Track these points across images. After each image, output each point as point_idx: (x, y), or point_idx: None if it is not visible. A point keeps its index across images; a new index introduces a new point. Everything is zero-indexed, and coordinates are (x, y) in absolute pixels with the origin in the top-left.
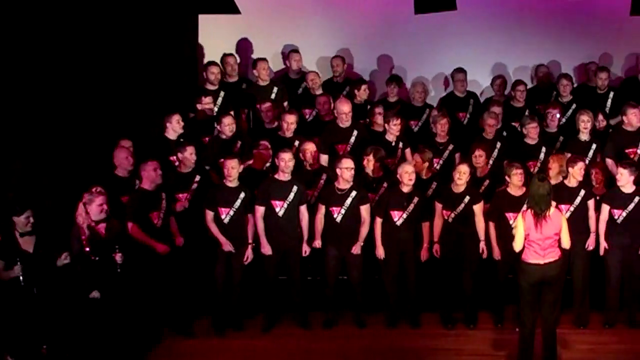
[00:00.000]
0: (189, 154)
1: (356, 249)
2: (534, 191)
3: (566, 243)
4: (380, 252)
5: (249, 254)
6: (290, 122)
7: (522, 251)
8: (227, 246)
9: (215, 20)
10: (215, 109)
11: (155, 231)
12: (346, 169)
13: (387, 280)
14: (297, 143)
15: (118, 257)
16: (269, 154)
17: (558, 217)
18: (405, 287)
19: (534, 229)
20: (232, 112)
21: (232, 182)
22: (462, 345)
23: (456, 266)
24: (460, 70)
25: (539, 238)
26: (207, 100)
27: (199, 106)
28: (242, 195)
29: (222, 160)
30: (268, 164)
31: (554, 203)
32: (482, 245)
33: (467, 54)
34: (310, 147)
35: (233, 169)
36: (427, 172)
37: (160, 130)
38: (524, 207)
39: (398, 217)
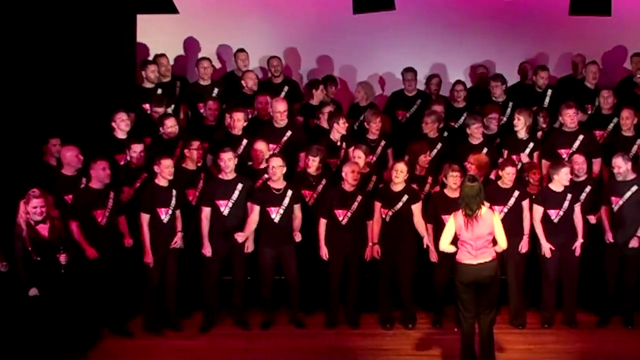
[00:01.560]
0: (138, 152)
1: (297, 237)
2: (465, 192)
3: (502, 243)
4: (324, 252)
5: (177, 239)
6: (237, 119)
7: (456, 251)
8: (149, 257)
9: (153, 20)
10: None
11: (99, 229)
12: (274, 167)
13: (331, 280)
14: (244, 142)
15: (62, 258)
16: (200, 154)
17: (490, 217)
18: (347, 287)
19: (465, 229)
20: (171, 112)
21: (166, 183)
22: (401, 345)
23: (394, 266)
24: (410, 69)
25: (470, 238)
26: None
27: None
28: (175, 193)
29: (157, 160)
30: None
31: (487, 204)
32: (425, 240)
33: (406, 54)
34: (261, 147)
35: (167, 168)
36: (364, 166)
37: (107, 129)
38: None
39: (342, 216)
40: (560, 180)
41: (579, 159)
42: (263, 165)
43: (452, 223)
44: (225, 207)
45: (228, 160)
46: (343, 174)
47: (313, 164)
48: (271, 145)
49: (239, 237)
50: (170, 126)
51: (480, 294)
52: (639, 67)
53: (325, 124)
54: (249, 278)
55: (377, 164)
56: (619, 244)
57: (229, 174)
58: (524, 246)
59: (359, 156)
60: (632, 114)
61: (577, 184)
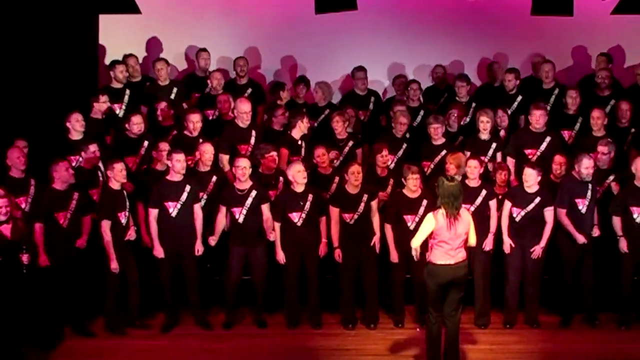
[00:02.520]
0: (92, 152)
1: (270, 236)
2: (447, 191)
3: (473, 240)
4: (281, 256)
5: (131, 232)
6: (195, 121)
7: (424, 253)
8: (115, 264)
9: (116, 20)
10: (123, 108)
11: (61, 231)
12: (240, 168)
13: (289, 281)
14: (201, 141)
15: (25, 258)
16: (164, 156)
17: (467, 216)
18: (307, 288)
19: (447, 228)
20: (141, 111)
21: (119, 186)
22: (363, 345)
23: (357, 266)
24: (361, 68)
25: (450, 238)
26: (104, 98)
27: (96, 105)
28: (126, 195)
29: (109, 164)
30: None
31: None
32: (375, 238)
33: (369, 54)
34: (208, 149)
35: (121, 171)
36: (327, 167)
37: (62, 130)
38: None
39: (297, 218)
40: (526, 181)
41: (559, 160)
42: (206, 169)
43: (432, 223)
44: (174, 208)
45: (183, 162)
46: (290, 176)
47: (280, 162)
48: (241, 146)
49: (212, 240)
50: (137, 123)
51: (450, 294)
52: (601, 67)
53: (277, 126)
54: (216, 278)
55: (342, 164)
56: (577, 245)
57: (178, 176)
58: (488, 243)
59: (319, 155)
60: (602, 114)
61: (553, 186)
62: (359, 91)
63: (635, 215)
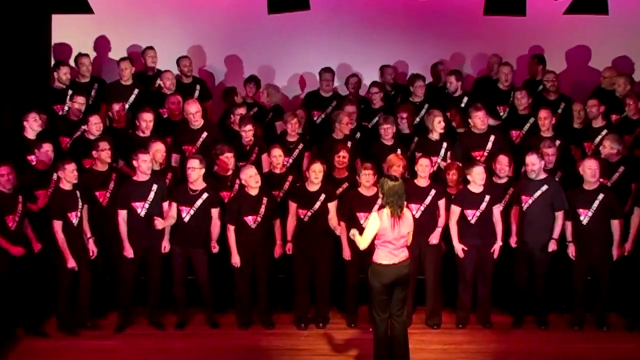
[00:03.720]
0: (46, 151)
1: (213, 249)
2: (391, 190)
3: (409, 239)
4: (236, 259)
5: (91, 247)
6: (147, 120)
7: (370, 252)
8: (71, 262)
9: (69, 20)
10: (66, 108)
11: (10, 235)
12: (190, 168)
13: (240, 281)
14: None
15: None
16: (108, 155)
17: (410, 216)
18: (257, 288)
19: (391, 228)
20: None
21: (70, 186)
22: (316, 345)
23: (311, 265)
24: (328, 70)
25: (394, 238)
26: (80, 99)
27: (70, 104)
28: (79, 194)
29: (60, 164)
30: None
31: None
32: (337, 232)
33: (322, 54)
34: (160, 148)
35: (72, 172)
36: (281, 167)
37: (18, 130)
38: (377, 207)
39: (252, 221)
40: (475, 181)
41: (503, 160)
42: (159, 167)
43: (377, 223)
44: (141, 208)
45: (149, 162)
46: (243, 181)
47: (229, 161)
48: (187, 147)
49: (158, 222)
50: (95, 123)
51: (395, 293)
52: (532, 70)
53: (237, 126)
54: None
55: (294, 165)
56: (528, 243)
57: (144, 176)
58: (434, 237)
59: (274, 156)
60: (549, 114)
61: (497, 185)
62: (323, 92)
63: (582, 217)
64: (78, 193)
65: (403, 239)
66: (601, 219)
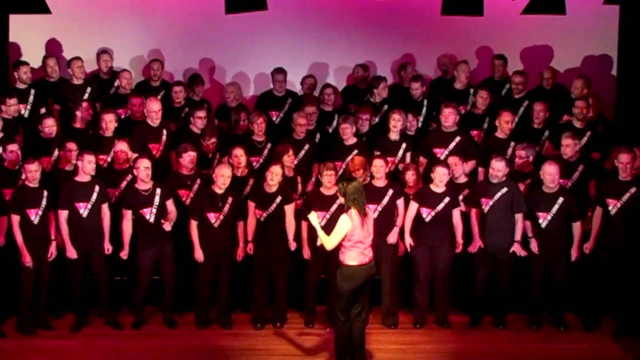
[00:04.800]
0: (12, 151)
1: (166, 227)
2: (353, 189)
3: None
4: (199, 255)
5: (52, 250)
6: (108, 120)
7: (332, 252)
8: (26, 258)
9: (26, 20)
10: (29, 108)
11: None
12: (142, 168)
13: (201, 281)
14: (117, 142)
15: None
16: (72, 156)
17: (372, 214)
18: (218, 288)
19: (360, 227)
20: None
21: (36, 184)
22: (273, 345)
23: (269, 266)
24: (280, 70)
25: (364, 236)
26: (12, 102)
27: (2, 107)
28: (46, 194)
29: (25, 162)
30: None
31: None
32: (291, 242)
33: (281, 54)
34: (123, 147)
35: (36, 172)
36: (243, 169)
37: None
38: (335, 207)
39: (215, 218)
40: (437, 180)
41: (453, 160)
42: (125, 166)
43: (348, 223)
44: (84, 209)
45: (94, 163)
46: (214, 176)
47: (185, 161)
48: (152, 145)
49: (123, 255)
50: (50, 125)
51: (361, 293)
52: (497, 70)
53: (195, 128)
54: (122, 278)
55: (264, 165)
56: (489, 246)
57: (86, 176)
58: (392, 235)
59: (237, 155)
60: (511, 117)
61: (457, 186)
62: (277, 92)
63: (540, 221)
64: (45, 193)
65: (369, 238)
66: (560, 222)
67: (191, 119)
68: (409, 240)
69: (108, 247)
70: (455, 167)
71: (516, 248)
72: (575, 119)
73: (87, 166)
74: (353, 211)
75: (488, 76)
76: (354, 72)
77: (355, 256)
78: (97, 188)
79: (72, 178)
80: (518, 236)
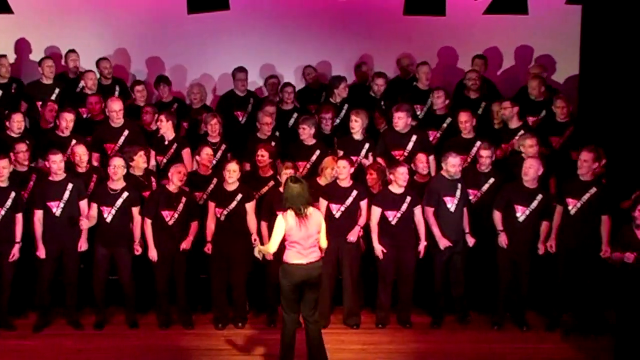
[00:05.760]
0: None
1: (136, 251)
2: (289, 192)
3: (323, 243)
4: (153, 254)
5: (15, 252)
6: (68, 120)
7: (282, 253)
8: None
9: None
10: None
11: None
12: (115, 167)
13: (158, 281)
14: (74, 142)
15: None
16: (25, 157)
17: (318, 216)
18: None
19: (297, 228)
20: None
21: (4, 182)
22: (234, 345)
23: (228, 265)
24: (241, 69)
25: (302, 237)
26: None
27: None
28: (13, 194)
29: None
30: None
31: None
32: (254, 237)
33: (243, 54)
34: (80, 150)
35: (4, 168)
36: (207, 169)
37: None
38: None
39: (169, 216)
40: (397, 181)
41: (423, 158)
42: (82, 170)
43: (282, 224)
44: (57, 208)
45: (60, 162)
46: (169, 174)
47: (139, 161)
48: (108, 145)
49: (84, 222)
50: (17, 121)
51: (305, 294)
52: (474, 68)
53: (154, 126)
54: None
55: (218, 165)
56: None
57: (59, 175)
58: (352, 234)
59: (206, 153)
60: (469, 117)
61: (419, 185)
62: (239, 92)
63: (518, 214)
64: (13, 194)
65: (312, 239)
66: (535, 219)
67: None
68: (379, 248)
69: (82, 245)
70: (426, 165)
71: (470, 240)
72: (557, 117)
73: (52, 166)
74: (289, 212)
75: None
76: (304, 73)
77: (292, 255)
78: (69, 186)
79: (45, 177)
80: (467, 228)
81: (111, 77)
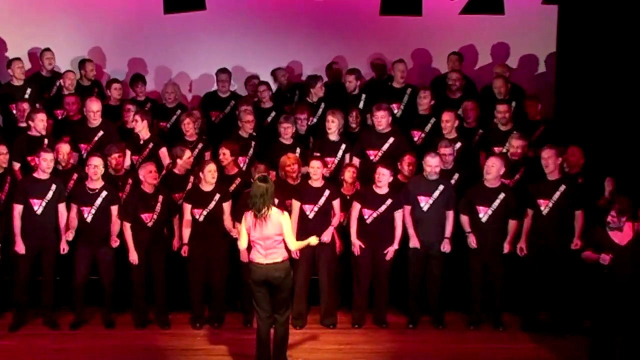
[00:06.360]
0: None
1: (113, 243)
2: (253, 191)
3: (291, 245)
4: (134, 257)
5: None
6: (41, 119)
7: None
8: None
9: None
10: None
11: None
12: (95, 166)
13: (135, 281)
14: (46, 141)
15: None
16: (5, 160)
17: (278, 218)
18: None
19: (253, 228)
20: None
21: None
22: (212, 345)
23: (206, 265)
24: (224, 70)
25: (259, 238)
26: None
27: None
28: None
29: None
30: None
31: (277, 202)
32: (234, 232)
33: (220, 54)
34: (64, 148)
35: None
36: (182, 169)
37: None
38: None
39: (149, 219)
40: (379, 182)
41: (409, 159)
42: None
43: (243, 223)
44: (39, 206)
45: (50, 162)
46: (141, 177)
47: (112, 162)
48: (83, 145)
49: (69, 234)
50: None
51: (273, 294)
52: (454, 66)
53: (131, 125)
54: (58, 278)
55: (194, 165)
56: (424, 243)
57: (45, 174)
58: (326, 234)
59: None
60: (452, 117)
61: (400, 187)
62: (221, 93)
63: (481, 215)
64: None
65: (270, 241)
66: (499, 218)
67: (124, 114)
68: (357, 243)
69: (64, 247)
70: (412, 166)
71: (447, 246)
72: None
73: (42, 164)
74: (249, 212)
75: (434, 76)
76: (277, 76)
77: (254, 254)
78: (53, 187)
79: (31, 174)
80: (449, 233)
81: (91, 79)
